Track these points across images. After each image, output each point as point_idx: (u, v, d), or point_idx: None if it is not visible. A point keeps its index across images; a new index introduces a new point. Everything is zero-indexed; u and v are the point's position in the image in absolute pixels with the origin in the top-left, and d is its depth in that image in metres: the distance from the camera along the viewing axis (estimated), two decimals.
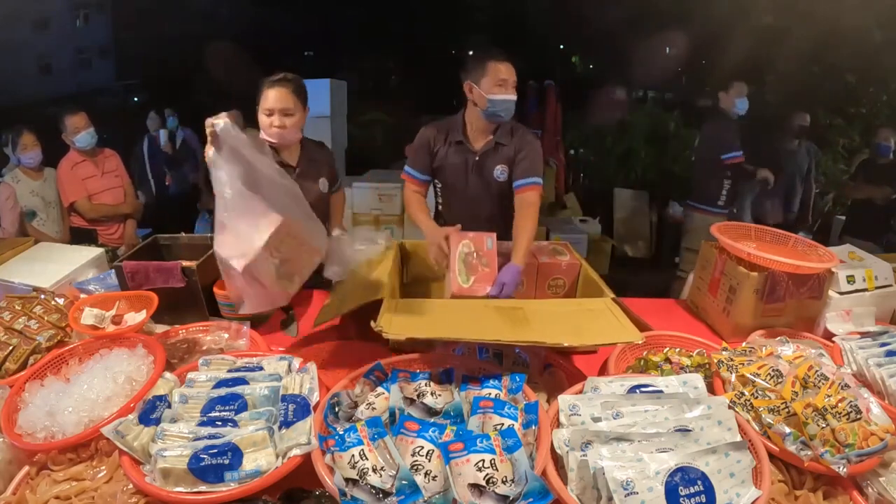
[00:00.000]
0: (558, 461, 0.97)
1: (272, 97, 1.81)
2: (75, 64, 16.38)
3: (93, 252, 1.99)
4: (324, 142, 2.18)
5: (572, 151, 6.34)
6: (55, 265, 1.85)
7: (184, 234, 1.95)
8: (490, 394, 1.08)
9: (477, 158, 1.92)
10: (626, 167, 5.78)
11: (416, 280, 1.89)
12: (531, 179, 1.86)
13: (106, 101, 12.02)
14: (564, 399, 1.06)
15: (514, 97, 1.83)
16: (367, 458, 0.91)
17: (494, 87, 1.79)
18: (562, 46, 9.82)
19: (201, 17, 9.51)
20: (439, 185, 2.04)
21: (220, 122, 1.16)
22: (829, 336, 1.55)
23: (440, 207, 2.11)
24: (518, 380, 1.12)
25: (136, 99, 12.68)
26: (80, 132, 2.90)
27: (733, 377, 1.18)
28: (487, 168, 1.92)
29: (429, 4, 8.70)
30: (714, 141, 3.55)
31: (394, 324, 1.19)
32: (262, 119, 1.85)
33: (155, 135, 4.79)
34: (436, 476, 0.90)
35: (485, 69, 1.80)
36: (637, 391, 1.11)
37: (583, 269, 1.69)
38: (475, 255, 1.65)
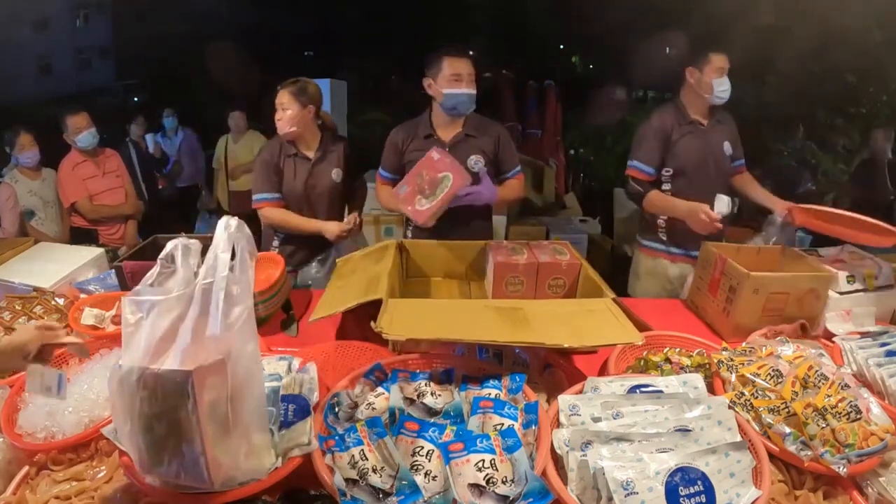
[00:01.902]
0: (558, 461, 0.96)
1: (277, 97, 2.08)
2: (75, 64, 16.36)
3: (93, 252, 2.00)
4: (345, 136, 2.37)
5: (572, 151, 6.33)
6: (55, 265, 1.85)
7: (184, 235, 1.96)
8: (490, 394, 1.08)
9: (447, 150, 1.98)
10: (626, 167, 5.77)
11: (416, 280, 1.89)
12: (515, 171, 2.13)
13: (106, 101, 12.00)
14: (564, 399, 1.06)
15: (469, 91, 1.91)
16: (367, 459, 0.91)
17: (450, 83, 1.88)
18: (562, 46, 9.81)
19: (201, 17, 9.49)
20: None
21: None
22: (829, 336, 1.56)
23: None
24: (518, 380, 1.12)
25: (136, 99, 12.68)
26: (81, 132, 2.90)
27: (733, 377, 1.18)
28: (459, 159, 1.94)
29: (429, 4, 8.69)
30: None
31: (394, 324, 1.19)
32: None
33: (138, 140, 4.72)
34: (436, 476, 0.90)
35: (440, 65, 1.89)
36: (637, 391, 1.11)
37: (583, 268, 1.69)
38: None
